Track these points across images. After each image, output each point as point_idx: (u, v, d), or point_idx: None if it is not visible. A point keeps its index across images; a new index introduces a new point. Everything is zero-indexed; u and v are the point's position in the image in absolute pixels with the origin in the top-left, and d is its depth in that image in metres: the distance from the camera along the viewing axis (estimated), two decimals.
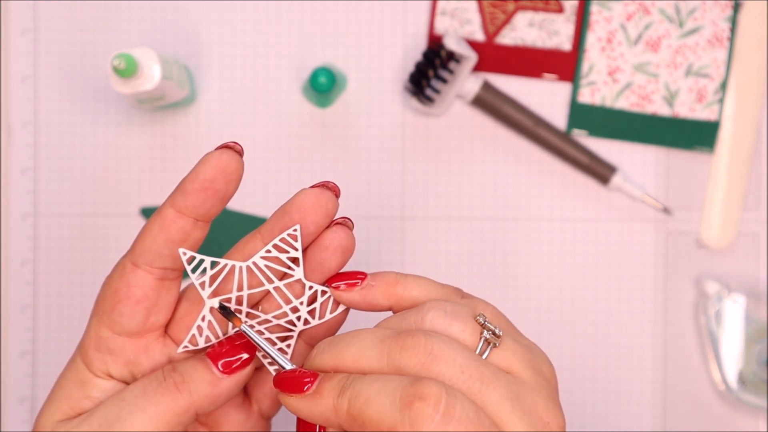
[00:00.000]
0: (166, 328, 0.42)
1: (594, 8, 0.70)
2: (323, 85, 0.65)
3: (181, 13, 0.70)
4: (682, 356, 0.71)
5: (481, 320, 0.38)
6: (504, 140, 0.71)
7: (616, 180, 0.70)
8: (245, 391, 0.44)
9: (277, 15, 0.70)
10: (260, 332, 0.42)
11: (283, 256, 0.40)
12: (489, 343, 0.38)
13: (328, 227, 0.41)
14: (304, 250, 0.41)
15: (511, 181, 0.71)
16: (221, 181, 0.39)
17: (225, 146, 0.40)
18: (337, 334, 0.41)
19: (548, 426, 0.37)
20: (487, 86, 0.69)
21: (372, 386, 0.36)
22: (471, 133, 0.71)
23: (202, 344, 0.41)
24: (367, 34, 0.70)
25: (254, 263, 0.41)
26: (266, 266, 0.41)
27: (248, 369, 0.40)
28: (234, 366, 0.40)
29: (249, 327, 0.41)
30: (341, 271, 0.42)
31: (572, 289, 0.71)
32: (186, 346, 0.41)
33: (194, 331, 0.41)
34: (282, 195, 0.63)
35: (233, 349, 0.40)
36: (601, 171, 0.70)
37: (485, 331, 0.38)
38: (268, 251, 0.40)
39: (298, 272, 0.41)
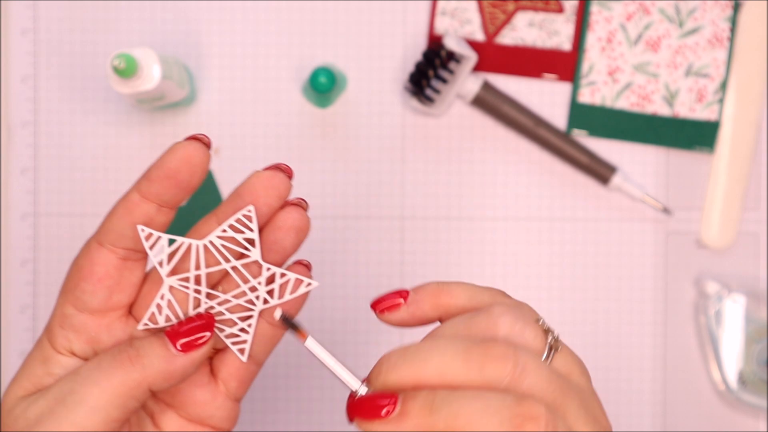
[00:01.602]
0: (131, 308, 0.42)
1: (594, 8, 0.70)
2: (323, 85, 0.65)
3: (181, 13, 0.70)
4: (682, 356, 0.71)
5: (543, 324, 0.38)
6: (504, 140, 0.71)
7: (616, 180, 0.70)
8: (211, 372, 0.44)
9: (277, 15, 0.70)
10: (221, 313, 0.42)
11: (239, 237, 0.41)
12: (551, 349, 0.38)
13: (281, 208, 0.42)
14: (260, 231, 0.42)
15: (511, 181, 0.71)
16: (185, 172, 0.40)
17: (193, 137, 0.41)
18: (407, 345, 0.39)
19: (607, 428, 0.37)
20: (487, 86, 0.69)
21: (472, 405, 0.34)
22: (471, 133, 0.71)
23: (162, 323, 0.41)
24: (367, 34, 0.70)
25: (211, 242, 0.41)
26: (223, 246, 0.41)
27: (204, 349, 0.40)
28: (191, 345, 0.40)
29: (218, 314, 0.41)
30: (381, 295, 0.41)
31: (572, 289, 0.71)
32: (146, 324, 0.41)
33: (153, 309, 0.41)
34: None
35: (192, 329, 0.40)
36: (601, 171, 0.70)
37: (549, 336, 0.38)
38: (224, 230, 0.41)
39: (255, 253, 0.41)
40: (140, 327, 0.41)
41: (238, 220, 0.41)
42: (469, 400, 0.34)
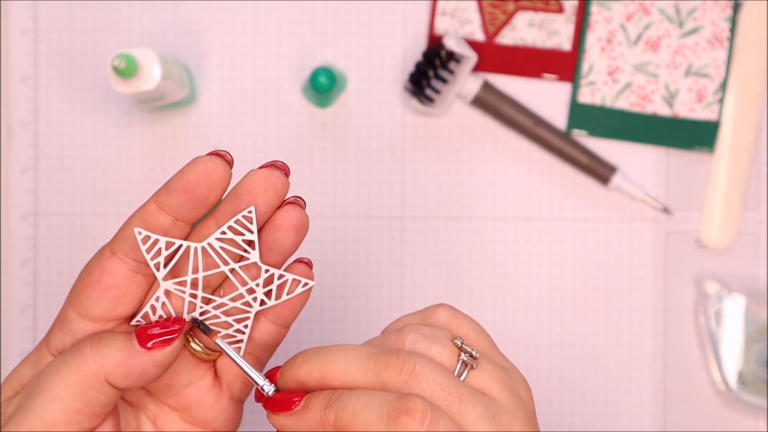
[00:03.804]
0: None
1: (594, 8, 0.70)
2: (323, 85, 0.65)
3: (181, 13, 0.70)
4: (682, 356, 0.71)
5: (459, 343, 0.40)
6: (504, 140, 0.71)
7: (616, 180, 0.70)
8: (216, 375, 0.44)
9: (277, 15, 0.70)
10: (217, 316, 0.42)
11: (239, 239, 0.41)
12: (466, 365, 0.40)
13: (279, 207, 0.41)
14: (259, 232, 0.41)
15: (511, 181, 0.71)
16: (204, 187, 0.39)
17: (215, 153, 0.40)
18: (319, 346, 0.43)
19: None
20: (487, 86, 0.69)
21: (359, 400, 0.38)
22: (471, 133, 0.71)
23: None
24: (367, 34, 0.70)
25: (209, 245, 0.41)
26: (222, 248, 0.41)
27: (168, 350, 0.40)
28: (152, 342, 0.39)
29: (203, 320, 0.42)
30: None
31: (572, 289, 0.71)
32: (139, 321, 0.41)
33: (147, 309, 0.41)
34: None
35: (159, 330, 0.40)
36: (601, 171, 0.70)
37: (462, 354, 0.40)
38: (223, 233, 0.41)
39: (254, 255, 0.41)
40: (133, 323, 0.41)
41: (238, 222, 0.40)
42: (357, 396, 0.38)
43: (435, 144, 0.70)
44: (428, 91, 0.68)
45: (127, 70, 0.59)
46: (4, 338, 0.69)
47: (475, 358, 0.40)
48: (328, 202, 0.70)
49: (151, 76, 0.61)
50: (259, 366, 0.44)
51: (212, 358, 0.43)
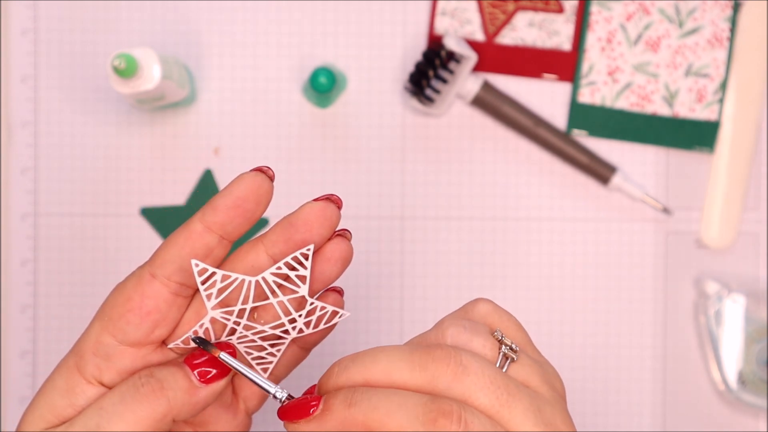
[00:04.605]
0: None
1: (594, 8, 0.70)
2: (323, 85, 0.65)
3: (181, 13, 0.70)
4: (682, 356, 0.71)
5: (499, 336, 0.40)
6: (504, 140, 0.71)
7: (616, 180, 0.70)
8: (233, 392, 0.44)
9: (277, 15, 0.70)
10: (253, 340, 0.42)
11: (292, 274, 0.41)
12: (507, 358, 0.39)
13: (329, 239, 0.42)
14: None
15: (511, 181, 0.71)
16: (252, 201, 0.40)
17: (259, 169, 0.41)
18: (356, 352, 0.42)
19: None
20: (487, 86, 0.69)
21: (391, 400, 0.37)
22: (471, 133, 0.71)
23: (194, 345, 0.41)
24: (367, 34, 0.70)
25: (264, 279, 0.41)
26: (273, 281, 0.41)
27: (225, 380, 0.41)
28: (210, 377, 0.40)
29: (238, 343, 0.42)
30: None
31: (572, 289, 0.71)
32: (177, 344, 0.41)
33: (190, 334, 0.41)
34: (282, 195, 0.63)
35: (211, 360, 0.40)
36: (601, 171, 0.70)
37: (503, 346, 0.39)
38: (279, 268, 0.41)
39: (303, 289, 0.41)
40: (170, 345, 0.41)
41: (295, 258, 0.41)
42: (387, 396, 0.37)
43: (435, 144, 0.70)
44: (428, 91, 0.68)
45: (127, 70, 0.59)
46: (4, 338, 0.69)
47: (515, 351, 0.39)
48: None
49: (151, 76, 0.61)
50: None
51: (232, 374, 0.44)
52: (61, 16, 0.70)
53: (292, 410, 0.38)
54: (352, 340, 0.70)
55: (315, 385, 0.40)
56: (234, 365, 0.40)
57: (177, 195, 0.70)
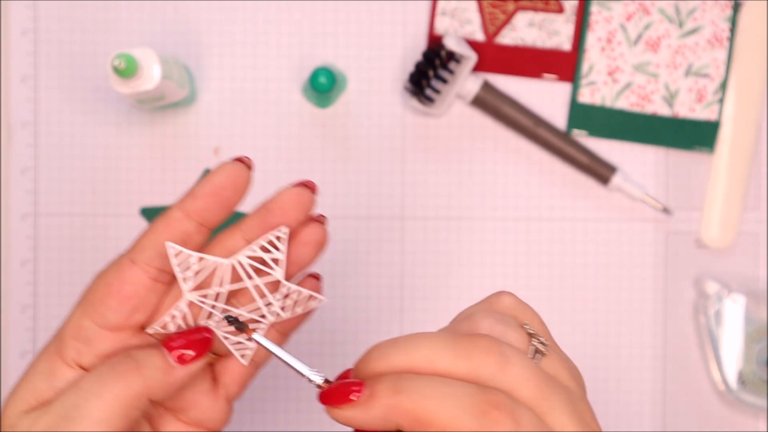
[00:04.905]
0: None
1: (594, 8, 0.70)
2: (323, 85, 0.65)
3: (181, 13, 0.70)
4: (682, 356, 0.71)
5: (529, 329, 0.39)
6: (504, 140, 0.71)
7: (616, 180, 0.70)
8: (213, 377, 0.44)
9: (277, 15, 0.70)
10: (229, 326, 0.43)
11: (267, 256, 0.42)
12: (538, 352, 0.39)
13: (305, 224, 0.43)
14: None
15: (511, 181, 0.71)
16: (230, 189, 0.41)
17: (238, 159, 0.42)
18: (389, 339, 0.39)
19: (595, 429, 0.39)
20: (487, 86, 0.69)
21: (440, 389, 0.35)
22: (471, 133, 0.71)
23: (173, 329, 0.42)
24: (367, 34, 0.70)
25: (239, 262, 0.42)
26: (249, 264, 0.42)
27: (201, 361, 0.41)
28: (186, 357, 0.41)
29: (217, 328, 0.42)
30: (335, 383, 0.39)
31: (572, 289, 0.71)
32: (156, 330, 0.42)
33: (167, 318, 0.41)
34: None
35: (190, 343, 0.41)
36: (601, 171, 0.70)
37: (533, 340, 0.39)
38: (253, 250, 0.42)
39: (279, 273, 0.42)
40: (149, 331, 0.42)
41: (269, 241, 0.41)
42: (436, 384, 0.35)
43: (435, 144, 0.70)
44: (428, 91, 0.68)
45: (127, 70, 0.59)
46: (4, 338, 0.69)
47: (545, 345, 0.39)
48: (328, 202, 0.70)
49: (151, 76, 0.61)
50: (256, 372, 0.45)
51: (212, 360, 0.44)
52: (61, 16, 0.70)
53: (334, 394, 0.36)
54: (352, 340, 0.70)
55: (350, 369, 0.38)
56: (269, 347, 0.40)
57: (177, 195, 0.70)
